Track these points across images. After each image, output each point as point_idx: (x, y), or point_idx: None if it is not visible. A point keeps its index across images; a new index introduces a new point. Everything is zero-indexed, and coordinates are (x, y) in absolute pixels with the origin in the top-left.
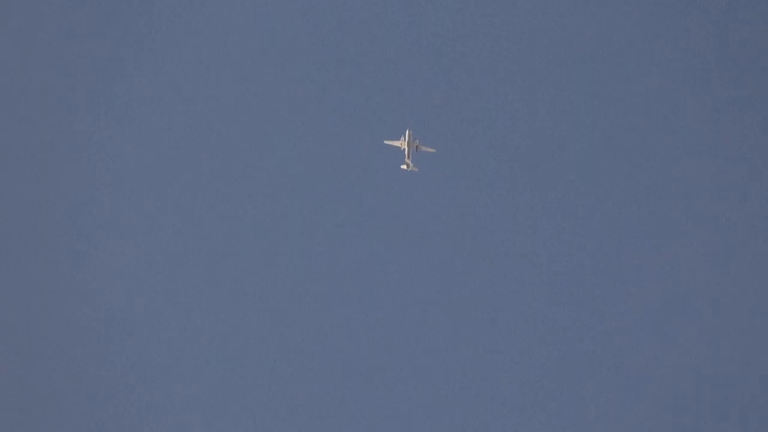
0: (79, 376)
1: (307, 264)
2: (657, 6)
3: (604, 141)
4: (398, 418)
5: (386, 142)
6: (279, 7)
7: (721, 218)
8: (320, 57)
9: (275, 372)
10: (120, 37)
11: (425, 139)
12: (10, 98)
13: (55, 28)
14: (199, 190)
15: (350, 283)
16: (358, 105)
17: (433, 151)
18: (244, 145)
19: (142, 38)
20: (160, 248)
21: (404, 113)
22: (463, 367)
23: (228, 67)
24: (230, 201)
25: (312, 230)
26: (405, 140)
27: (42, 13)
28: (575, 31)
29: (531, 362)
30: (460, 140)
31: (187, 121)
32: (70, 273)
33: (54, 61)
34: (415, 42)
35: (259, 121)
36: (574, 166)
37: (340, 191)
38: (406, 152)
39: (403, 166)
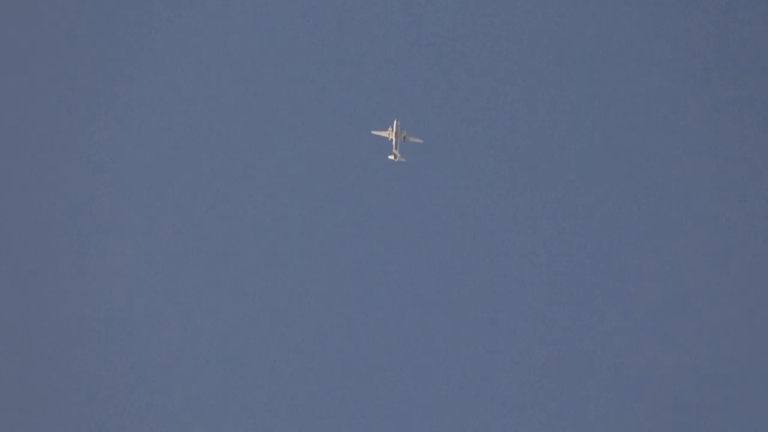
0: (79, 376)
1: (307, 263)
2: (657, 6)
3: (604, 141)
4: (398, 418)
5: (374, 132)
6: (278, 6)
7: (721, 218)
8: (318, 56)
9: (275, 372)
10: (120, 37)
11: (426, 139)
12: (11, 98)
13: (55, 28)
14: (198, 190)
15: (350, 283)
16: (355, 104)
17: (420, 141)
18: (243, 144)
19: (142, 38)
20: (160, 248)
21: (404, 112)
22: (462, 367)
23: (227, 67)
24: (230, 201)
25: (312, 230)
26: (393, 131)
27: (42, 13)
28: (575, 31)
29: (531, 362)
30: (460, 140)
31: (187, 121)
32: (70, 273)
33: (54, 61)
34: (414, 41)
35: (258, 121)
36: (574, 166)
37: (340, 191)
38: (393, 143)
39: (391, 157)
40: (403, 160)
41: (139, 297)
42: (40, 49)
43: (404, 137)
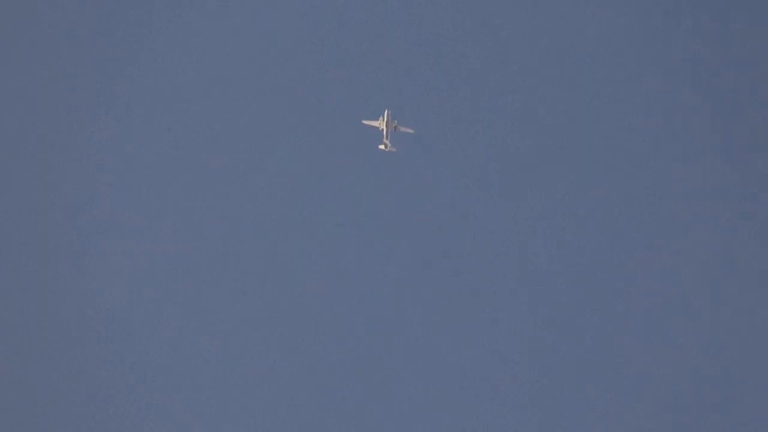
0: (79, 376)
1: (306, 263)
2: (657, 6)
3: (603, 141)
4: (398, 418)
5: (365, 122)
6: (278, 6)
7: (721, 218)
8: (317, 55)
9: (275, 372)
10: (120, 37)
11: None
12: (11, 98)
13: (55, 28)
14: (198, 189)
15: (348, 280)
16: (348, 95)
17: (411, 131)
18: (242, 143)
19: (142, 38)
20: (160, 248)
21: (403, 110)
22: (462, 367)
23: (226, 67)
24: (229, 201)
25: (311, 229)
26: (384, 120)
27: (42, 13)
28: (575, 31)
29: (531, 362)
30: (460, 140)
31: (187, 121)
32: (70, 273)
33: (54, 61)
34: (407, 31)
35: (257, 119)
36: (574, 166)
37: (340, 190)
38: (384, 132)
39: (381, 146)
40: (394, 149)
41: (139, 297)
42: (40, 49)
43: (395, 127)
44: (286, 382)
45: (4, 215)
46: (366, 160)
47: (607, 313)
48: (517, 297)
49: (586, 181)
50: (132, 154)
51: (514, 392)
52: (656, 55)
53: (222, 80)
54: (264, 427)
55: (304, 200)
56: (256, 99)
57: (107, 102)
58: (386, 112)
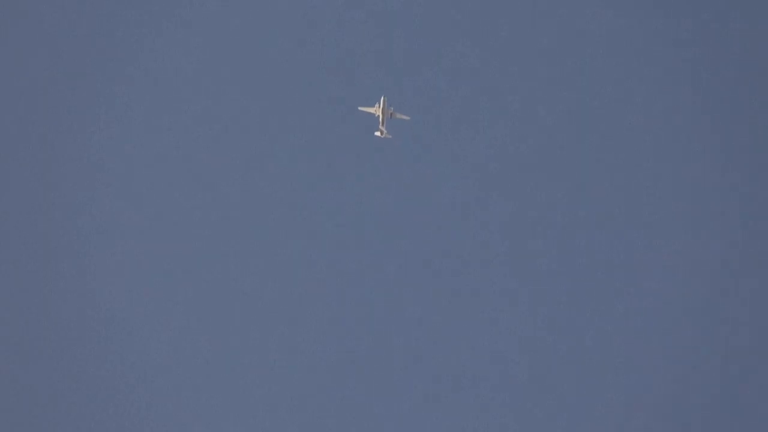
0: (79, 376)
1: (307, 263)
2: (657, 6)
3: (603, 141)
4: (398, 417)
5: (361, 108)
6: (278, 5)
7: (721, 218)
8: (317, 54)
9: (275, 372)
10: (120, 37)
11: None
12: (11, 98)
13: (55, 28)
14: (198, 189)
15: (349, 282)
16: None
17: (407, 118)
18: (241, 142)
19: (142, 38)
20: (160, 248)
21: (403, 109)
22: (462, 367)
23: (226, 67)
24: (229, 200)
25: (312, 231)
26: (380, 107)
27: (42, 13)
28: (575, 31)
29: (530, 362)
30: (460, 139)
31: (187, 121)
32: (70, 273)
33: (54, 61)
34: (413, 39)
35: (257, 120)
36: (574, 166)
37: (339, 190)
38: (380, 119)
39: (377, 133)
40: (390, 136)
41: (139, 297)
42: (40, 49)
43: (391, 114)
44: (286, 382)
45: (4, 215)
46: (366, 159)
47: (607, 313)
48: (517, 297)
49: (586, 180)
50: (132, 154)
51: (513, 392)
52: (656, 55)
53: (221, 80)
54: (264, 427)
55: (303, 200)
56: (255, 98)
57: (107, 102)
58: (382, 98)
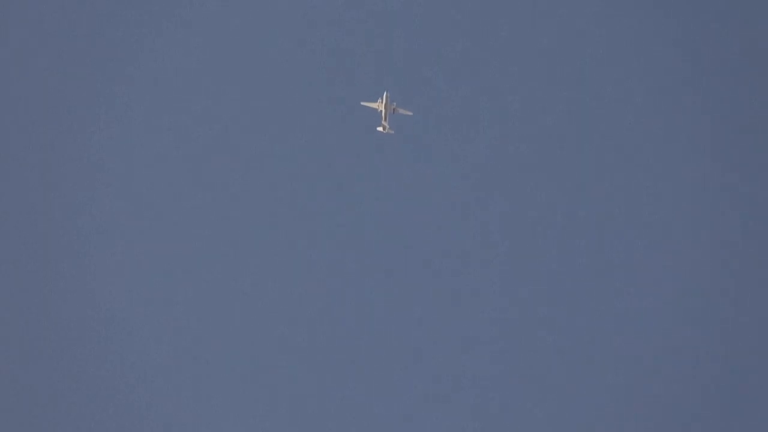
0: (79, 376)
1: (307, 263)
2: (657, 6)
3: (603, 141)
4: (398, 417)
5: (363, 103)
6: (277, 4)
7: (721, 218)
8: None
9: (275, 372)
10: (120, 37)
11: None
12: (11, 98)
13: (55, 28)
14: (198, 189)
15: (349, 283)
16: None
17: (410, 113)
18: (242, 143)
19: (142, 38)
20: (160, 248)
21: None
22: (462, 367)
23: (226, 66)
24: (229, 200)
25: (312, 230)
26: (382, 102)
27: (42, 13)
28: (575, 31)
29: (530, 362)
30: (460, 139)
31: (187, 120)
32: (70, 273)
33: (54, 60)
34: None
35: (257, 119)
36: (574, 166)
37: (339, 190)
38: (383, 114)
39: (380, 128)
40: (392, 132)
41: (139, 297)
42: (40, 48)
43: (393, 109)
44: (286, 381)
45: (4, 215)
46: (366, 158)
47: (608, 313)
48: (517, 297)
49: (586, 180)
50: (132, 154)
51: (513, 392)
52: (656, 55)
53: (221, 80)
54: (264, 427)
55: (303, 199)
56: (255, 98)
57: (107, 102)
58: (385, 93)
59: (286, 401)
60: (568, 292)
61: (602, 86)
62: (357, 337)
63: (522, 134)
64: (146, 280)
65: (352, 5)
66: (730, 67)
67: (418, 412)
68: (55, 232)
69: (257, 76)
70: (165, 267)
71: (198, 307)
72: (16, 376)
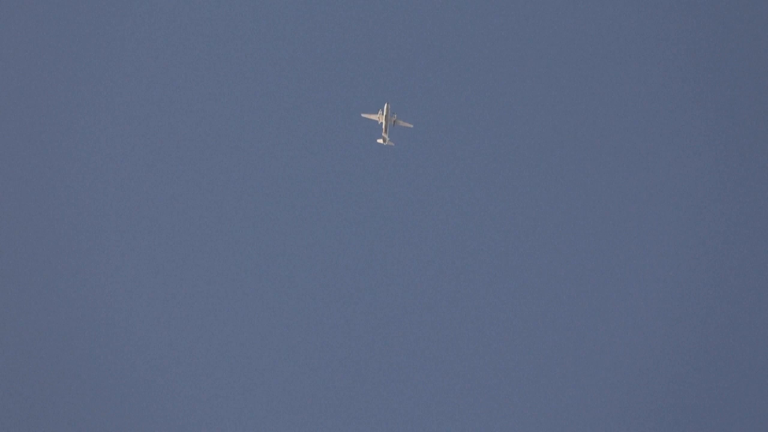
0: (80, 376)
1: (307, 263)
2: (658, 6)
3: (603, 141)
4: (398, 417)
5: (363, 115)
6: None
7: (720, 218)
8: (316, 55)
9: (275, 372)
10: (119, 36)
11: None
12: (10, 98)
13: (54, 28)
14: (198, 190)
15: (349, 283)
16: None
17: (410, 126)
18: (243, 143)
19: (142, 38)
20: (159, 248)
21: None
22: (462, 367)
23: (225, 66)
24: (230, 200)
25: (312, 230)
26: (383, 114)
27: (42, 12)
28: (575, 30)
29: (530, 362)
30: (460, 139)
31: (187, 120)
32: (70, 273)
33: (54, 60)
34: (413, 39)
35: (258, 119)
36: (574, 166)
37: (339, 191)
38: (383, 126)
39: (380, 140)
40: (392, 144)
41: (139, 297)
42: (40, 48)
43: (394, 121)
44: (286, 382)
45: (4, 215)
46: (365, 159)
47: (608, 313)
48: (517, 296)
49: (587, 180)
50: (131, 154)
51: (513, 392)
52: (656, 55)
53: (222, 80)
54: (264, 427)
55: (304, 200)
56: (255, 98)
57: (106, 102)
58: (385, 105)
59: (287, 401)
60: (568, 292)
61: (602, 86)
62: (357, 336)
63: (522, 135)
64: (146, 280)
65: (353, 15)
66: (730, 67)
67: (418, 411)
68: (55, 232)
69: (257, 75)
70: (165, 267)
71: (198, 307)
72: (16, 376)
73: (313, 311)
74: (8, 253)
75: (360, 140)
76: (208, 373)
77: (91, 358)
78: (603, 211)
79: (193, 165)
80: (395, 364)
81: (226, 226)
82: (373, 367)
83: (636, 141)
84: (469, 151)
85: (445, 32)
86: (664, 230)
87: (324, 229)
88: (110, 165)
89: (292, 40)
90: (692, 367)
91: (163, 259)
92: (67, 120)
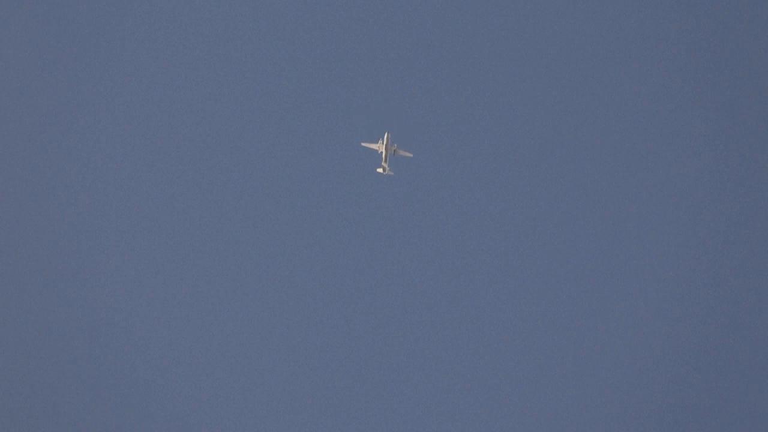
0: (80, 376)
1: (307, 263)
2: (657, 6)
3: (603, 141)
4: (398, 417)
5: (364, 144)
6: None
7: (720, 218)
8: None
9: (275, 372)
10: (119, 36)
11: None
12: (10, 98)
13: (54, 28)
14: (198, 190)
15: (349, 283)
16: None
17: (410, 155)
18: (243, 145)
19: (142, 38)
20: (159, 248)
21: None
22: (462, 366)
23: (226, 71)
24: (229, 202)
25: (312, 230)
26: (383, 143)
27: (42, 13)
28: (575, 31)
29: (530, 362)
30: (460, 139)
31: (187, 121)
32: (70, 273)
33: (54, 60)
34: (413, 41)
35: (258, 121)
36: (574, 166)
37: (339, 191)
38: (383, 155)
39: (379, 170)
40: (392, 173)
41: (139, 297)
42: (40, 48)
43: (394, 150)
44: (286, 382)
45: (4, 215)
46: (365, 159)
47: (608, 313)
48: (517, 297)
49: (587, 181)
50: (131, 153)
51: (514, 392)
52: (656, 55)
53: (221, 80)
54: (264, 427)
55: (304, 200)
56: (255, 98)
57: (106, 102)
58: (386, 134)
59: (287, 401)
60: (568, 292)
61: (602, 86)
62: (357, 337)
63: (522, 135)
64: (146, 280)
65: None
66: (730, 67)
67: (418, 411)
68: (55, 232)
69: (257, 79)
70: (165, 267)
71: (198, 306)
72: (16, 376)
73: (313, 311)
74: (8, 253)
75: (360, 140)
76: (208, 373)
77: (92, 357)
78: (603, 212)
79: (193, 165)
80: (395, 364)
81: (226, 226)
82: (373, 367)
83: (636, 141)
84: (469, 152)
85: (445, 31)
86: (664, 230)
87: (324, 230)
88: (110, 165)
89: (292, 40)
90: (692, 367)
91: (163, 259)
92: (67, 120)
